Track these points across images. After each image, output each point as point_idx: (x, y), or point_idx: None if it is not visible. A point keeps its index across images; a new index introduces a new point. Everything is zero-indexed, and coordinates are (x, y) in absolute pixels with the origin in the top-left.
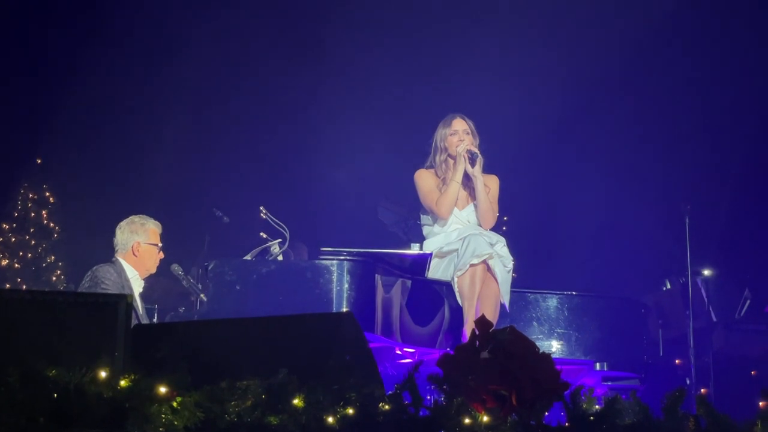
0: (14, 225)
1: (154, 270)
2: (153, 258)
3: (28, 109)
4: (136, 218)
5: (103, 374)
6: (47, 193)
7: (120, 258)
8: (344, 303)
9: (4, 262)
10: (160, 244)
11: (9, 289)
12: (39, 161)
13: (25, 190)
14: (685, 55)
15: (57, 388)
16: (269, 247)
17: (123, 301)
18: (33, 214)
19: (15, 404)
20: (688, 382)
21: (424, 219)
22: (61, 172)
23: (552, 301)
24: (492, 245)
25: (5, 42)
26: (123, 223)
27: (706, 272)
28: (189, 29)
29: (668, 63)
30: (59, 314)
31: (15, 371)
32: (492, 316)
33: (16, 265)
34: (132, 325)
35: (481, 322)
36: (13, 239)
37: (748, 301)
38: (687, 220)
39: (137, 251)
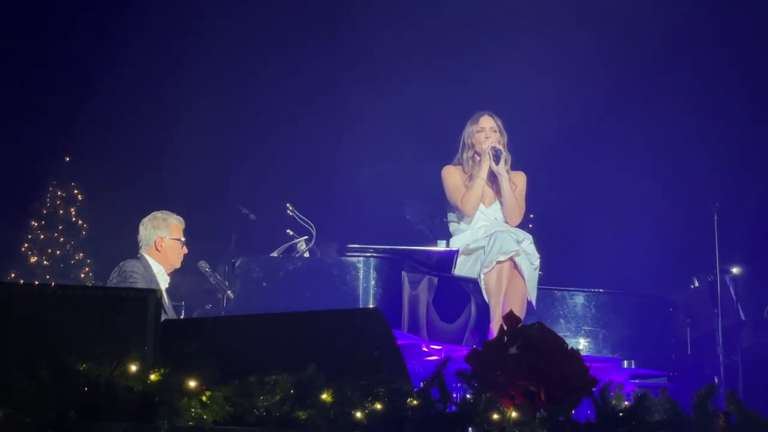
0: (43, 222)
1: (178, 265)
2: (176, 253)
3: (56, 108)
4: (158, 214)
5: (133, 368)
6: (75, 191)
7: (145, 254)
8: (371, 300)
9: (33, 259)
10: (183, 239)
11: (40, 284)
12: (67, 159)
13: (53, 188)
14: (715, 49)
15: (88, 382)
16: (296, 244)
17: (152, 295)
18: (61, 212)
19: (46, 398)
20: (716, 380)
21: (451, 216)
22: (89, 170)
23: (579, 299)
24: (519, 242)
25: (34, 41)
26: (145, 219)
27: (735, 270)
28: (216, 27)
29: (697, 57)
30: (89, 309)
31: (46, 366)
32: (519, 313)
33: (45, 263)
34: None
35: (510, 317)
36: (42, 236)
37: None
38: (716, 218)
39: (160, 246)
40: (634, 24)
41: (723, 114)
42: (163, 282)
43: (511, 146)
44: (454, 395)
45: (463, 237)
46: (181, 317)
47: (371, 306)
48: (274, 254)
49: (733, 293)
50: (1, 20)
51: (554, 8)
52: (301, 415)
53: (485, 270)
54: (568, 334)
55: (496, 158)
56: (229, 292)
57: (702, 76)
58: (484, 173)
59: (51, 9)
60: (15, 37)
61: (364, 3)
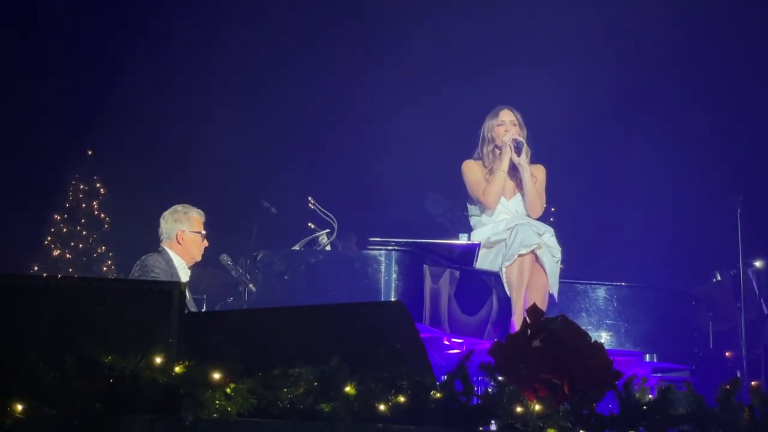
0: (66, 216)
1: (199, 258)
2: (197, 246)
3: (78, 101)
4: (179, 207)
5: (158, 360)
6: (98, 184)
7: (166, 247)
8: (392, 293)
9: (56, 253)
10: (203, 232)
11: (66, 276)
12: (90, 153)
13: (76, 182)
14: (736, 42)
15: (113, 374)
16: (317, 237)
17: (177, 288)
18: (84, 205)
19: (72, 390)
20: (738, 374)
21: (472, 210)
22: (112, 163)
23: (601, 292)
24: (540, 235)
25: (56, 36)
26: (166, 213)
27: (758, 264)
28: (237, 21)
29: (720, 50)
30: (115, 302)
31: (72, 358)
32: (540, 306)
33: (68, 256)
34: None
35: (533, 310)
36: (65, 230)
37: None
38: (739, 211)
39: (181, 239)
40: (653, 19)
41: (746, 107)
42: (184, 275)
43: (531, 140)
44: (477, 388)
45: (484, 230)
46: (203, 310)
47: (393, 299)
48: (296, 247)
49: (755, 287)
50: (24, 16)
51: (576, 3)
52: (325, 407)
53: (507, 263)
54: (590, 327)
55: (518, 150)
56: (250, 285)
57: (724, 68)
58: (505, 165)
59: (72, 4)
60: (37, 32)
61: None
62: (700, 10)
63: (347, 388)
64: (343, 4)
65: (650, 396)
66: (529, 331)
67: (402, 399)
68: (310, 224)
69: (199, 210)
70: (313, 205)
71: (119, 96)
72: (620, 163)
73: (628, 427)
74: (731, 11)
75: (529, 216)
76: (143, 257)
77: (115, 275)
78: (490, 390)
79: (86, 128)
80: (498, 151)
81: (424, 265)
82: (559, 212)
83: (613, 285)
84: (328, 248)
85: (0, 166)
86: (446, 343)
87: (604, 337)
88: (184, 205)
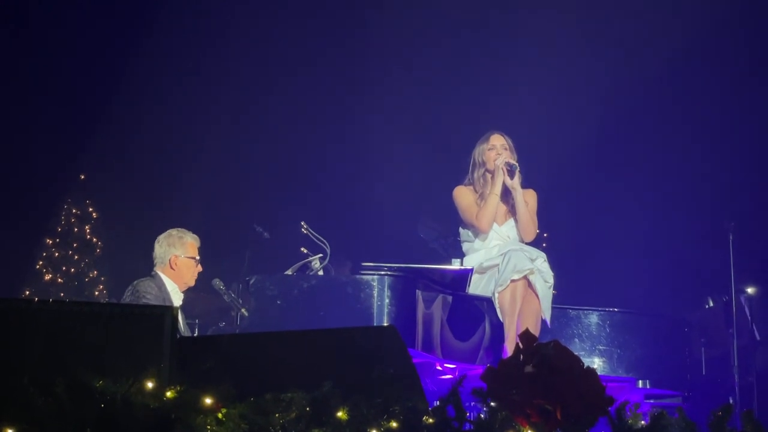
0: (57, 240)
1: (192, 283)
2: (191, 271)
3: (71, 126)
4: (173, 231)
5: (149, 385)
6: (90, 209)
7: (159, 271)
8: (385, 318)
9: (48, 277)
10: (197, 257)
11: (57, 300)
12: (82, 177)
13: (68, 206)
14: (731, 67)
15: (104, 399)
16: (310, 262)
17: (168, 313)
18: (76, 230)
19: (63, 415)
20: (731, 400)
21: (464, 235)
22: (104, 188)
23: (593, 318)
24: (533, 260)
25: (49, 60)
26: (161, 237)
27: (750, 290)
28: (229, 45)
29: (711, 78)
30: (106, 326)
31: (62, 382)
32: (533, 332)
33: (59, 280)
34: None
35: (525, 336)
36: (57, 254)
37: None
38: (731, 237)
39: (175, 264)
40: (645, 43)
41: (739, 133)
42: (177, 300)
43: (523, 166)
44: (469, 414)
45: (476, 256)
46: (195, 335)
47: (385, 324)
48: (288, 272)
49: (748, 313)
50: (14, 40)
51: (565, 27)
52: None
53: (499, 288)
54: (583, 353)
55: (510, 173)
56: (243, 310)
57: (717, 94)
58: (497, 189)
59: (62, 27)
60: (28, 55)
61: (380, 25)
62: (691, 36)
63: (339, 413)
64: (337, 31)
65: (643, 422)
66: (521, 357)
67: (394, 424)
68: (302, 249)
69: (195, 235)
70: (306, 230)
71: (112, 120)
72: (612, 189)
73: None
74: (722, 39)
75: (521, 241)
76: (135, 282)
77: (106, 300)
78: (482, 416)
79: (79, 152)
80: (489, 176)
81: (417, 290)
82: (551, 238)
83: (605, 311)
84: (320, 273)
85: None
86: (439, 368)
87: (596, 363)
88: (179, 229)
